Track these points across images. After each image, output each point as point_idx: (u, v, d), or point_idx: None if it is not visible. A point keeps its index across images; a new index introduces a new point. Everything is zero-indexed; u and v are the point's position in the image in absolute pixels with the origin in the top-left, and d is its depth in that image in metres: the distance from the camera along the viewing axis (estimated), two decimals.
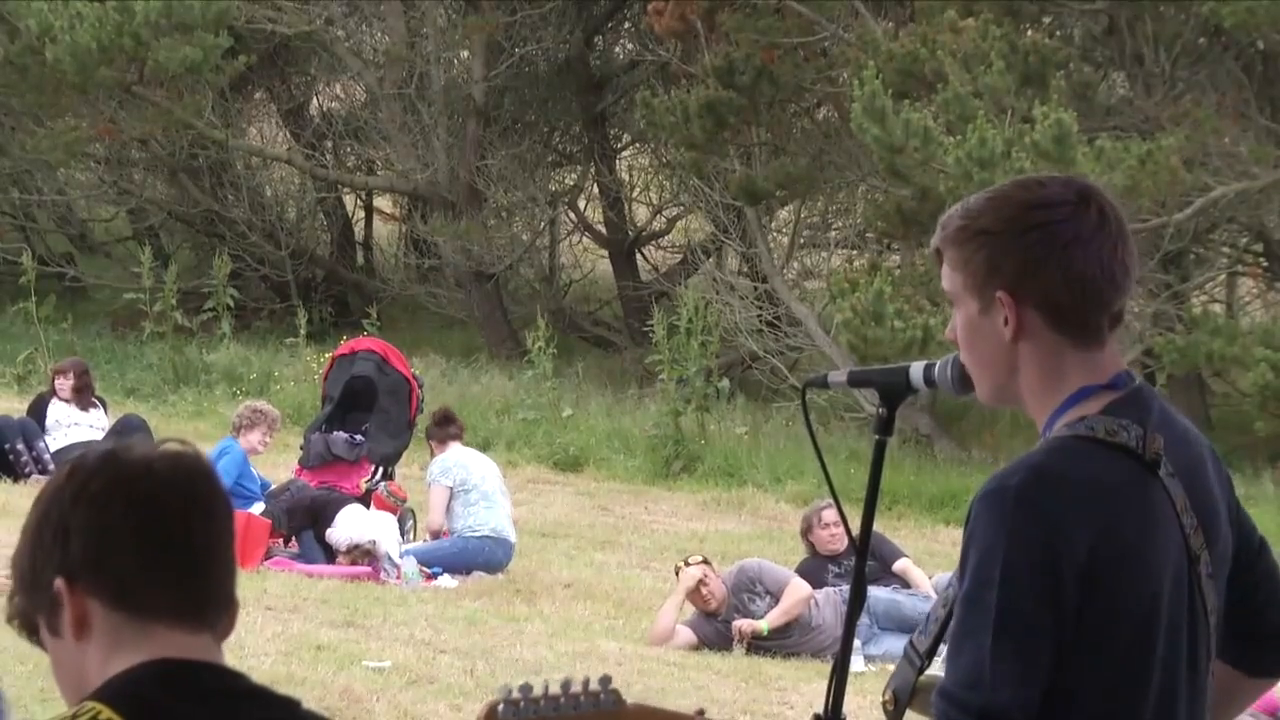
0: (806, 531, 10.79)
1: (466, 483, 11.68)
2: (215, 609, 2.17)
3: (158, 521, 2.12)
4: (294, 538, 11.46)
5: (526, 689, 2.55)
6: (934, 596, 9.11)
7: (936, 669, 2.73)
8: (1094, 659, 2.53)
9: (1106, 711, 2.56)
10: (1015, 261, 2.62)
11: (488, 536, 11.49)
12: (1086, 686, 2.54)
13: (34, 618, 2.16)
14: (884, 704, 2.84)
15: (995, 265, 2.63)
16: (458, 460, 11.85)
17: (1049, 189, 2.67)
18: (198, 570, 2.15)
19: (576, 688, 2.58)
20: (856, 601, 3.08)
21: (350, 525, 11.27)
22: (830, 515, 10.49)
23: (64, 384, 13.77)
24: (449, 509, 11.66)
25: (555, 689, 2.57)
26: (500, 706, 2.54)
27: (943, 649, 2.69)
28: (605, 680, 2.61)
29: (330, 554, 11.29)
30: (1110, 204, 2.66)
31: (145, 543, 2.12)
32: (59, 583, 2.11)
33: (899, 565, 10.71)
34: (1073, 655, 2.52)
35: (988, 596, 2.50)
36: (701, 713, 2.76)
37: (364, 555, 11.15)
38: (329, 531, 11.30)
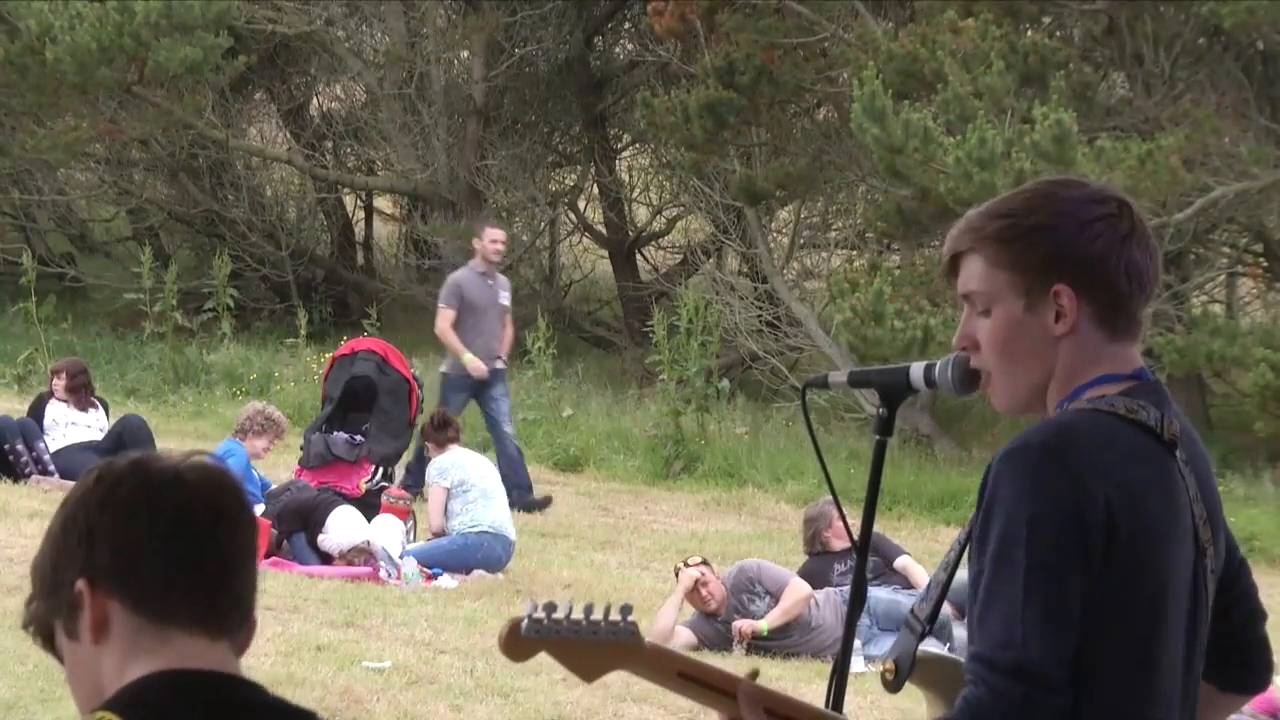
0: (825, 528, 10.69)
1: (465, 482, 11.68)
2: (235, 621, 2.17)
3: (186, 531, 2.13)
4: (284, 541, 11.42)
5: (550, 607, 2.58)
6: None
7: (933, 644, 2.72)
8: (1110, 629, 2.52)
9: (1122, 685, 2.54)
10: (1079, 255, 2.63)
11: (486, 531, 11.47)
12: (1102, 656, 2.52)
13: (50, 623, 2.16)
14: (883, 674, 2.82)
15: (1055, 259, 2.63)
16: (455, 461, 11.85)
17: (1091, 188, 2.71)
18: (222, 582, 2.15)
19: (598, 615, 2.60)
20: (856, 601, 3.08)
21: (343, 530, 11.21)
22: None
23: (59, 384, 13.77)
24: (448, 508, 11.67)
25: (578, 613, 2.59)
26: (524, 622, 2.57)
27: (943, 614, 2.68)
28: (626, 610, 2.62)
29: (323, 559, 11.24)
30: (1139, 208, 2.71)
31: (172, 551, 2.12)
32: (81, 584, 2.11)
33: (900, 562, 10.71)
34: (1092, 621, 2.50)
35: (1015, 554, 2.48)
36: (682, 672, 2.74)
37: (360, 554, 11.12)
38: (321, 538, 11.23)
